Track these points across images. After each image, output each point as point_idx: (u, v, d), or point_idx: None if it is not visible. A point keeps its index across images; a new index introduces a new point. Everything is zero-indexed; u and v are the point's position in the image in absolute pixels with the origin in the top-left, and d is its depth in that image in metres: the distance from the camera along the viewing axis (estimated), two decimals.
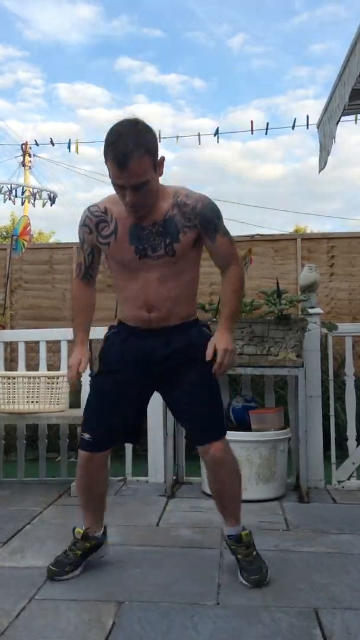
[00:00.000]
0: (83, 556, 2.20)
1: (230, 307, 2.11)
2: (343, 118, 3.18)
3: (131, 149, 1.80)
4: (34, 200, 13.91)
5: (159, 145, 1.93)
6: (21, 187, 13.64)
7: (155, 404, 3.62)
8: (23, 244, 5.07)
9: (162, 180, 1.97)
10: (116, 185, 1.90)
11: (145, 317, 2.05)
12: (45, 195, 13.83)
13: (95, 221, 2.05)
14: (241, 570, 2.12)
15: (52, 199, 14.17)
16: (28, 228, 5.13)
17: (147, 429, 3.52)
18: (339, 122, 3.15)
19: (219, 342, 2.04)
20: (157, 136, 1.96)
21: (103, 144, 1.86)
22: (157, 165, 1.90)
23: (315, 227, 22.85)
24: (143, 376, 2.10)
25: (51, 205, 14.40)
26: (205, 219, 1.99)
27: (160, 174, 1.94)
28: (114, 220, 2.02)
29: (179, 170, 39.14)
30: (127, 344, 2.11)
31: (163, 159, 1.92)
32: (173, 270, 2.02)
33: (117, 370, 2.12)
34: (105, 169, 1.89)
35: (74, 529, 2.24)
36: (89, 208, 2.08)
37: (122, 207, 1.97)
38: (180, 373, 2.08)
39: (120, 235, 2.00)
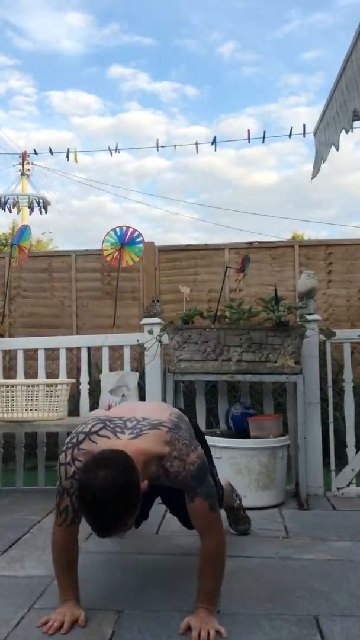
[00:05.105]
0: None
1: (208, 583, 1.89)
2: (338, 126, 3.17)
3: (112, 524, 1.69)
4: (33, 210, 14.04)
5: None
6: (16, 196, 13.76)
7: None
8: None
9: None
10: None
11: None
12: (36, 202, 13.99)
13: None
14: None
15: (45, 207, 14.31)
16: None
17: None
18: (347, 130, 3.12)
19: (194, 621, 1.81)
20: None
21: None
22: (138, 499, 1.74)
23: (311, 233, 22.82)
24: None
25: (46, 212, 14.55)
26: (185, 486, 1.90)
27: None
28: None
29: (175, 177, 39.19)
30: None
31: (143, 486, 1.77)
32: None
33: None
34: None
35: None
36: (74, 475, 1.85)
37: None
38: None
39: None
